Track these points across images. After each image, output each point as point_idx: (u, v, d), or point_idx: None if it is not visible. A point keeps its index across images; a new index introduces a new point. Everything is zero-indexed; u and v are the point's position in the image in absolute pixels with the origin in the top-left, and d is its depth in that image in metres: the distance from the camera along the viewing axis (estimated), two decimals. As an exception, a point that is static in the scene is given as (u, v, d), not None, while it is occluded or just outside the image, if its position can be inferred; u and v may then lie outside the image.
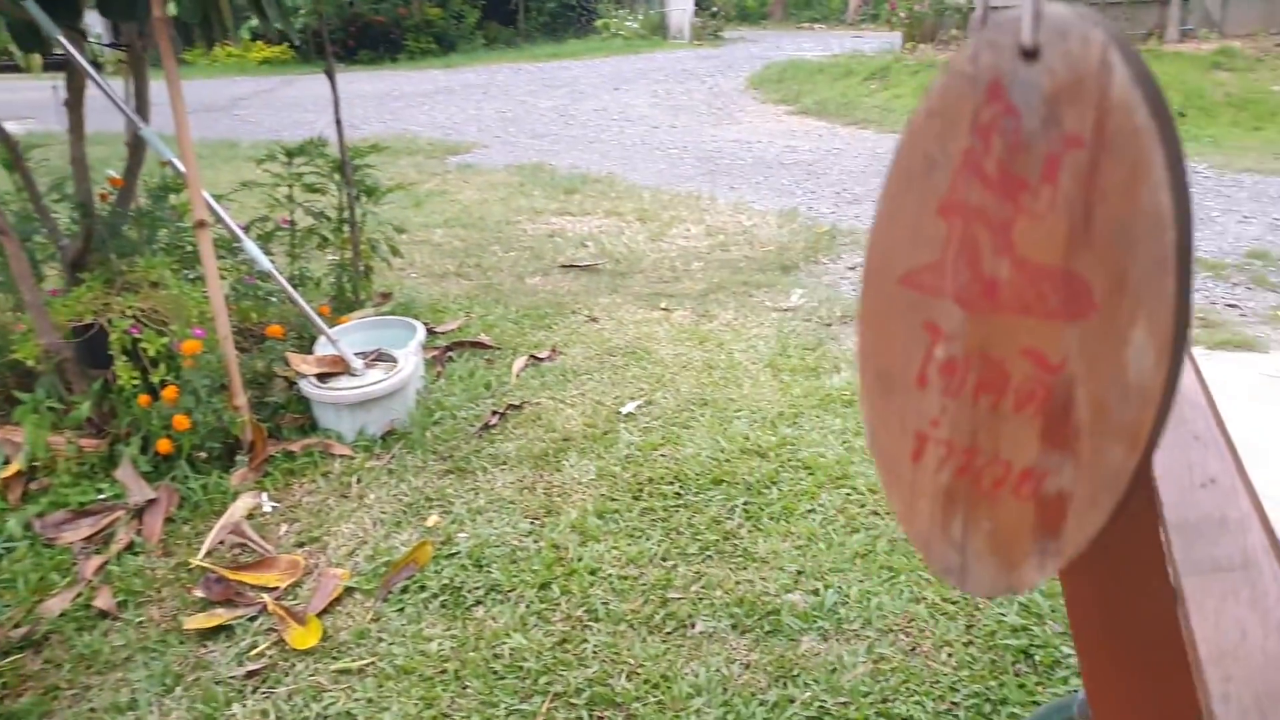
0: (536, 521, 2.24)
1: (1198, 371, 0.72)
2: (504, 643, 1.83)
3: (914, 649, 1.77)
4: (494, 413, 2.75)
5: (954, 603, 1.87)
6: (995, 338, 0.38)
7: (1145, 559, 0.52)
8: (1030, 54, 0.35)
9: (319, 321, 2.74)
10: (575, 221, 5.06)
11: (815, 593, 1.92)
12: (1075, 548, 0.38)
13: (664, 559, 2.06)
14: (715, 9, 17.26)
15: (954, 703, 1.63)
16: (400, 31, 14.95)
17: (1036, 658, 1.72)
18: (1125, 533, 0.51)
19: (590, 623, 1.88)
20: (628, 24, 16.43)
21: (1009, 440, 0.39)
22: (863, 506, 2.21)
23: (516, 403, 2.82)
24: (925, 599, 1.88)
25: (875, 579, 1.95)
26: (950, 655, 1.74)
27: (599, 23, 16.70)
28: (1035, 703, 1.61)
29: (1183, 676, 0.70)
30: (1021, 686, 1.65)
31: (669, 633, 1.85)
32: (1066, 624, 1.79)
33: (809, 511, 2.20)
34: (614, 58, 13.79)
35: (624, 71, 12.08)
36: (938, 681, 1.68)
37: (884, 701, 1.64)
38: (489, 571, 2.05)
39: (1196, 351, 2.92)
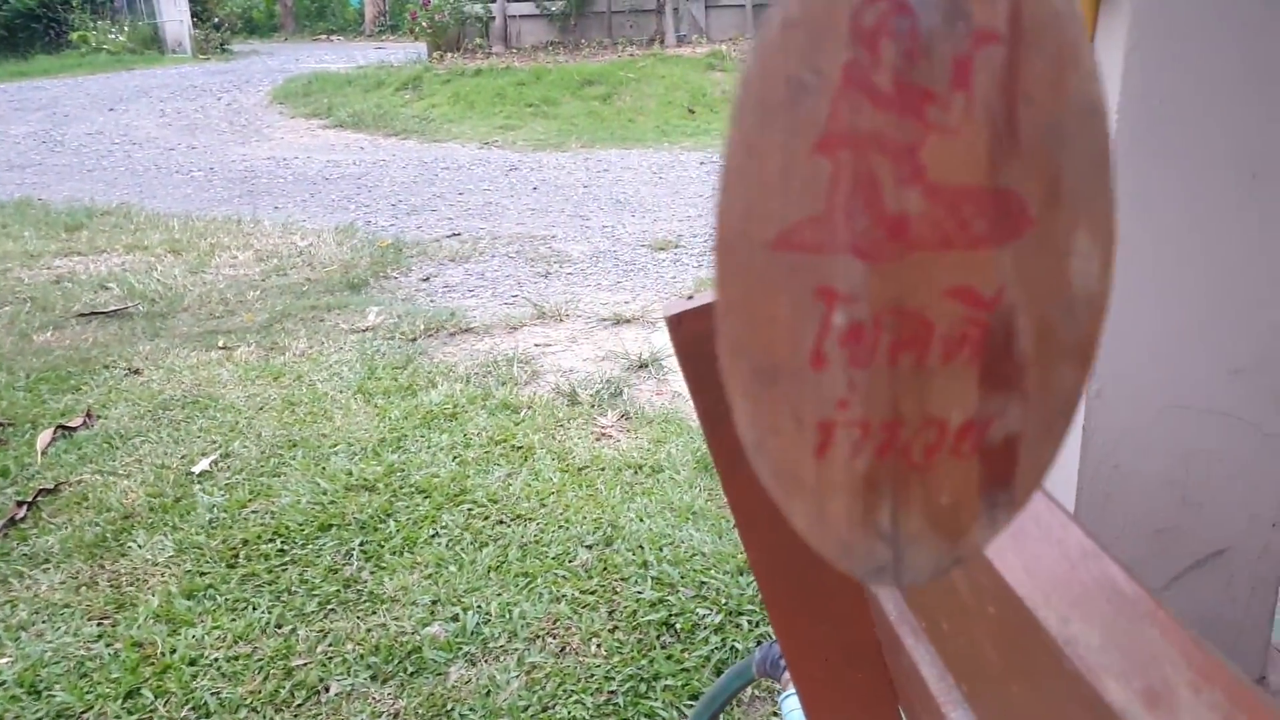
0: (105, 622, 1.86)
1: None
2: (91, 781, 1.49)
3: (564, 649, 1.74)
4: (20, 503, 2.24)
5: (593, 593, 1.88)
6: (910, 285, 0.31)
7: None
8: None
9: None
10: (88, 261, 4.34)
11: (455, 619, 1.82)
12: (1028, 491, 0.34)
13: (278, 625, 1.82)
14: (218, 20, 15.98)
15: (611, 692, 1.64)
16: None
17: (677, 626, 1.78)
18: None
19: (201, 719, 1.60)
20: (112, 37, 14.57)
21: (941, 397, 0.33)
22: (487, 519, 2.15)
23: (49, 485, 2.33)
24: (565, 596, 1.87)
25: (513, 589, 1.90)
26: (599, 645, 1.74)
27: (75, 35, 14.60)
28: (684, 670, 1.67)
29: (863, 615, 0.72)
30: (670, 658, 1.70)
31: (300, 705, 1.63)
32: (698, 588, 1.88)
33: (432, 537, 2.09)
34: (102, 75, 12.17)
35: (118, 90, 10.70)
36: (592, 675, 1.67)
37: (544, 711, 1.60)
38: (51, 695, 1.66)
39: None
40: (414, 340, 3.29)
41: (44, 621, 1.86)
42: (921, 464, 0.34)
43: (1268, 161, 0.87)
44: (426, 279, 4.09)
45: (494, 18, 11.22)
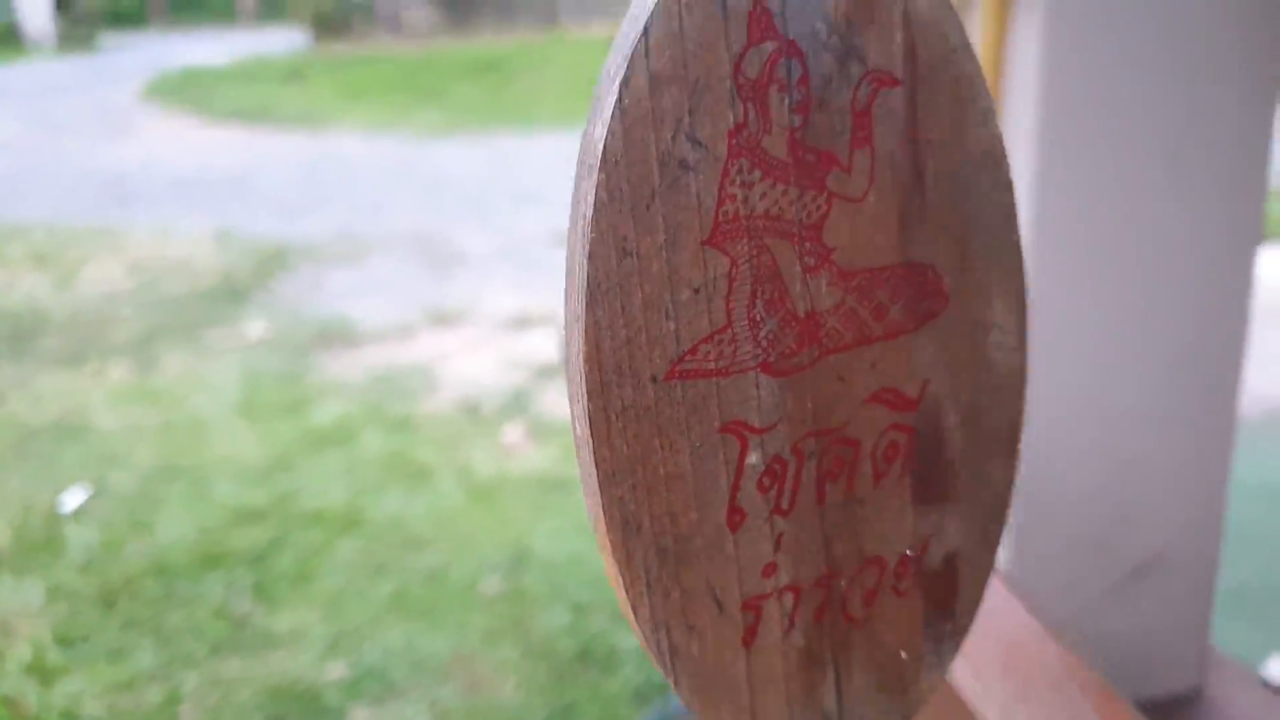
0: (-30, 678, 1.73)
1: None
2: None
3: (475, 685, 1.70)
4: None
5: (503, 622, 1.84)
6: (830, 398, 0.27)
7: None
8: None
9: None
10: (-57, 279, 4.05)
11: (355, 656, 1.75)
12: (972, 612, 0.30)
13: (164, 672, 1.73)
14: (82, 12, 15.13)
15: (525, 723, 1.60)
16: None
17: (595, 653, 1.75)
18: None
19: (82, 784, 1.50)
20: (-35, 30, 13.65)
21: (876, 529, 0.28)
22: (386, 546, 2.08)
23: (-96, 531, 2.15)
24: (474, 627, 1.82)
25: (417, 621, 1.84)
26: (513, 679, 1.70)
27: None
28: (603, 699, 1.65)
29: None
30: (588, 688, 1.67)
31: (191, 760, 1.55)
32: (614, 612, 1.86)
33: (328, 568, 2.01)
34: (-45, 71, 11.40)
35: (-27, 88, 10.04)
36: (506, 712, 1.63)
37: (454, 746, 1.55)
38: (-89, 768, 1.54)
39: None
40: (302, 354, 3.16)
41: (-100, 683, 1.72)
42: (862, 616, 0.29)
43: (1188, 145, 0.86)
44: (314, 286, 3.95)
45: (379, 3, 10.92)
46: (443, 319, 3.47)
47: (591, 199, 0.24)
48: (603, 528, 0.26)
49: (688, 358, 0.25)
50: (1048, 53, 0.83)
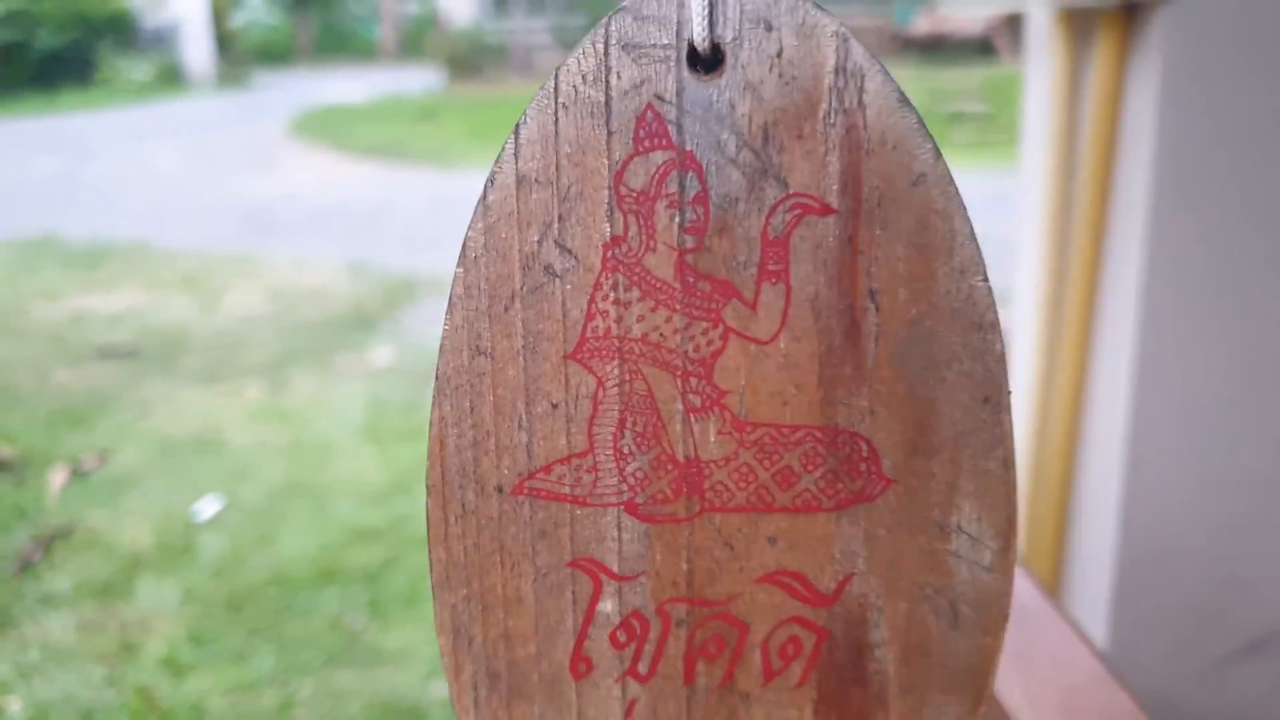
0: (113, 666, 1.87)
1: None
2: (91, 840, 1.49)
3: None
4: (34, 545, 2.27)
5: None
6: (711, 563, 0.22)
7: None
8: (708, 60, 0.21)
9: None
10: (105, 299, 4.40)
11: (456, 674, 1.82)
12: None
13: (282, 678, 1.83)
14: (239, 53, 16.24)
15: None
16: None
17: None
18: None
19: (202, 776, 1.61)
20: (138, 72, 14.83)
21: None
22: (489, 569, 2.16)
23: (63, 526, 2.35)
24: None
25: (515, 643, 1.90)
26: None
27: (102, 71, 14.87)
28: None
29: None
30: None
31: (301, 762, 1.64)
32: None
33: (435, 587, 2.09)
34: (127, 109, 12.38)
35: (141, 124, 10.87)
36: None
37: (545, 770, 1.59)
38: (56, 744, 1.68)
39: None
40: (424, 382, 3.31)
41: (54, 665, 1.88)
42: None
43: None
44: (438, 317, 4.12)
45: (512, 45, 11.33)
46: (555, 354, 3.58)
47: (450, 293, 0.23)
48: (438, 628, 0.24)
49: (539, 475, 0.23)
50: (1162, 124, 0.83)
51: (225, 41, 16.17)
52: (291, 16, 19.33)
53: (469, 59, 11.09)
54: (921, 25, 10.23)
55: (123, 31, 15.73)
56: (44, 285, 4.61)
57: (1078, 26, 0.92)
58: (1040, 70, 0.97)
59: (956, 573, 0.22)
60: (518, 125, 0.22)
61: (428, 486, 0.23)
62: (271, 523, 2.37)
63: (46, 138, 10.05)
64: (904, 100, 0.21)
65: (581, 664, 0.24)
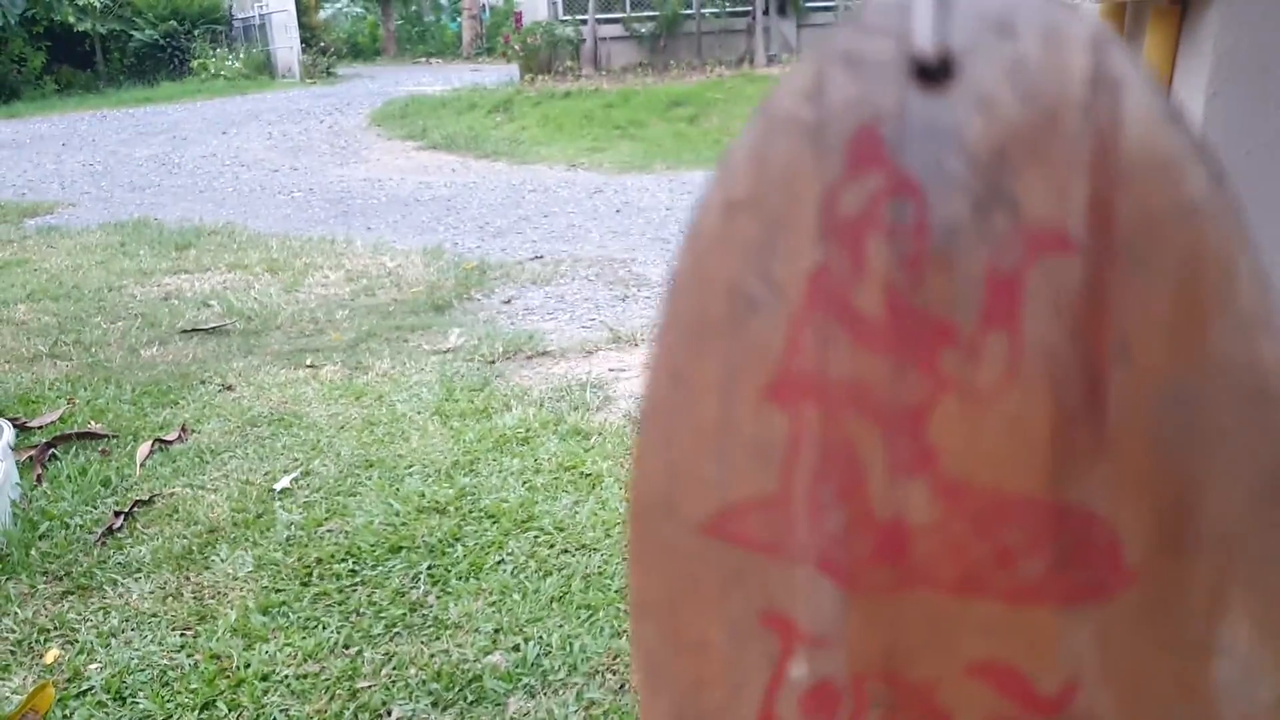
0: (188, 632, 1.93)
1: None
2: (163, 792, 1.54)
3: (623, 686, 1.73)
4: (118, 513, 2.35)
5: (653, 628, 1.87)
6: (914, 642, 0.19)
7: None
8: (935, 72, 0.18)
9: None
10: (193, 280, 4.56)
11: (516, 649, 1.83)
12: None
13: (346, 646, 1.86)
14: (325, 45, 16.66)
15: (669, 731, 1.62)
16: (-58, 77, 12.74)
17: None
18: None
19: (269, 738, 1.64)
20: (229, 64, 15.33)
21: None
22: (552, 547, 2.16)
23: (145, 497, 2.44)
24: (627, 632, 1.86)
25: (574, 621, 1.90)
26: (658, 683, 1.73)
27: (195, 63, 15.41)
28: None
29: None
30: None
31: (363, 728, 1.66)
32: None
33: (498, 563, 2.11)
34: (218, 100, 12.80)
35: (231, 114, 11.23)
36: (651, 713, 1.66)
37: (602, 747, 1.59)
38: (134, 703, 1.73)
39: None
40: (492, 363, 3.34)
41: (133, 630, 1.94)
42: None
43: None
44: (508, 301, 4.16)
45: (584, 40, 11.38)
46: (621, 338, 3.57)
47: (657, 323, 0.21)
48: (633, 664, 0.23)
49: (732, 516, 0.21)
50: (1207, 120, 0.80)
51: (312, 36, 16.59)
52: (376, 12, 19.72)
53: (544, 54, 11.18)
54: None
55: (215, 24, 16.27)
56: (138, 266, 4.79)
57: (1128, 20, 0.89)
58: None
59: (1220, 706, 0.18)
60: (730, 147, 0.21)
61: (632, 514, 0.22)
62: (343, 496, 2.42)
63: (143, 127, 10.46)
64: (1174, 116, 0.17)
65: None
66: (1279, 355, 0.17)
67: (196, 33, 15.96)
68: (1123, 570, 0.18)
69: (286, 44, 15.56)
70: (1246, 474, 0.17)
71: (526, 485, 2.42)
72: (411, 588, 2.04)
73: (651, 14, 11.50)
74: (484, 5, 20.10)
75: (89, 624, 1.95)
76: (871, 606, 0.19)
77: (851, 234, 0.19)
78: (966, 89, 0.17)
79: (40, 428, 2.86)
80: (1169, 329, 0.17)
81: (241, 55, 15.76)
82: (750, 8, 11.31)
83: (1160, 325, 0.17)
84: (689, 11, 11.44)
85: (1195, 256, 0.17)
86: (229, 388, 3.16)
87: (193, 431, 2.83)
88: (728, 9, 11.49)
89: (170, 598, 2.04)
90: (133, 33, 15.15)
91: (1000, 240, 0.18)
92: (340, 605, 1.99)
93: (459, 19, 20.29)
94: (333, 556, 2.15)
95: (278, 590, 2.04)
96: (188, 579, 2.11)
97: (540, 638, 1.85)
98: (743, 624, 0.21)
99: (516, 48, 11.29)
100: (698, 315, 0.20)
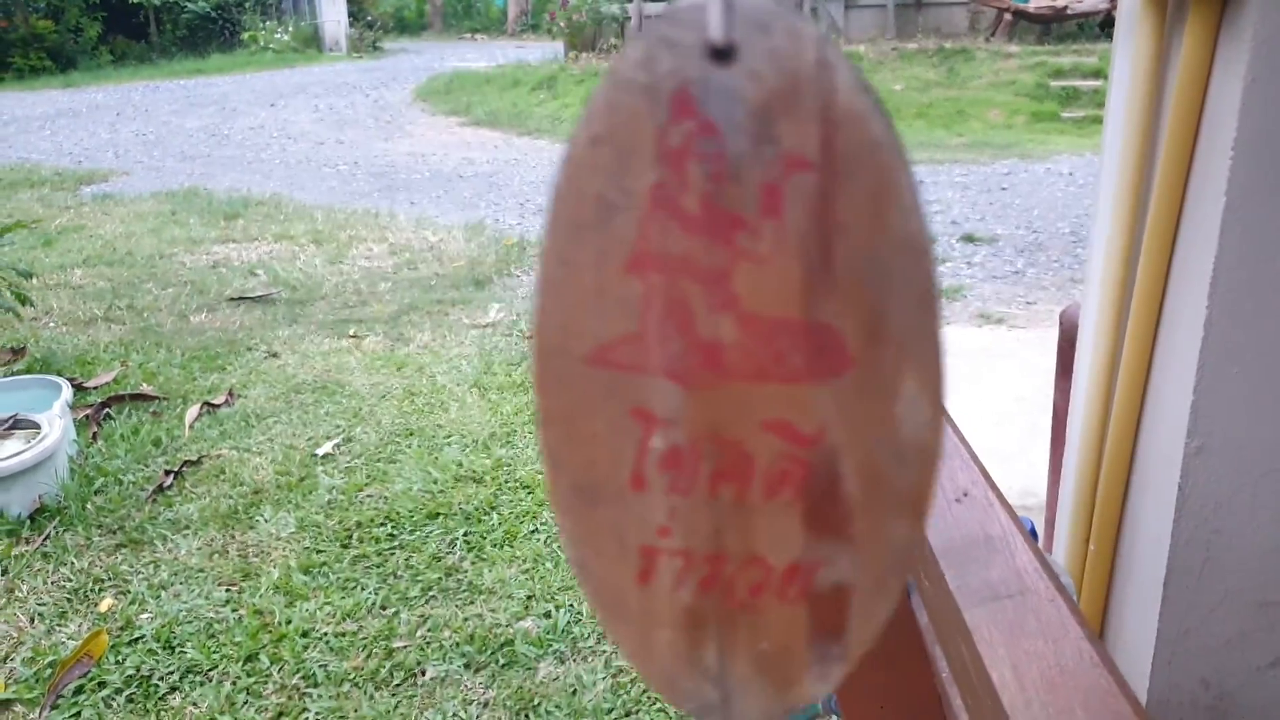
0: (233, 588, 2.00)
1: None
2: (208, 736, 1.61)
3: (651, 654, 1.78)
4: (167, 472, 2.44)
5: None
6: (728, 414, 0.31)
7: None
8: (723, 54, 0.28)
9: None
10: (241, 249, 4.65)
11: (548, 615, 1.88)
12: (862, 645, 0.33)
13: (383, 607, 1.93)
14: (372, 19, 16.76)
15: (694, 699, 1.66)
16: (3, 46, 13.00)
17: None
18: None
19: (309, 689, 1.71)
20: (278, 36, 15.48)
21: (764, 535, 0.32)
22: (584, 518, 2.20)
23: (193, 458, 2.52)
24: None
25: (605, 590, 1.94)
26: (685, 653, 1.77)
27: (246, 35, 15.59)
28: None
29: (925, 668, 0.72)
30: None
31: (398, 685, 1.72)
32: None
33: (532, 532, 2.16)
34: (266, 72, 12.95)
35: (279, 86, 11.37)
36: (676, 682, 1.70)
37: (627, 715, 1.64)
38: (183, 652, 1.81)
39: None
40: (530, 337, 3.38)
41: (181, 583, 2.02)
42: (747, 603, 0.32)
43: None
44: (548, 278, 4.21)
45: (629, 17, 11.34)
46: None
47: (546, 221, 0.32)
48: (541, 455, 0.34)
49: (607, 349, 0.31)
50: (1246, 109, 0.81)
51: (359, 9, 16.69)
52: (423, -14, 19.78)
53: (589, 31, 11.16)
54: (1041, 1, 9.78)
55: (265, -1, 16.43)
56: (188, 234, 4.90)
57: (1169, 7, 0.90)
58: (1127, 50, 0.95)
59: (900, 428, 0.30)
60: (591, 96, 0.30)
61: (537, 357, 0.32)
62: (383, 463, 2.48)
63: (194, 98, 10.62)
64: (865, 86, 0.28)
65: (638, 481, 0.32)
66: (921, 227, 0.28)
67: (247, 5, 16.15)
68: (848, 358, 0.29)
69: (334, 17, 15.69)
70: (910, 295, 0.29)
71: (561, 458, 2.47)
72: (448, 553, 2.09)
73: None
74: (530, -19, 20.06)
75: (140, 576, 2.04)
76: (701, 396, 0.30)
77: (676, 160, 0.29)
78: (744, 65, 0.28)
79: (95, 388, 2.96)
80: (867, 215, 0.28)
81: (290, 28, 15.92)
82: (798, -12, 11.23)
83: (862, 213, 0.28)
84: (736, -10, 11.29)
85: (880, 171, 0.28)
86: (274, 355, 3.24)
87: (239, 396, 2.91)
88: (776, -11, 11.33)
89: (216, 554, 2.12)
90: (186, 4, 15.37)
91: (769, 163, 0.28)
92: (378, 568, 2.05)
93: (505, -5, 20.29)
94: (372, 521, 2.21)
95: (319, 551, 2.11)
96: (233, 537, 2.18)
97: (571, 605, 1.90)
98: (618, 419, 0.31)
99: (561, 24, 11.28)
100: (575, 216, 0.30)
